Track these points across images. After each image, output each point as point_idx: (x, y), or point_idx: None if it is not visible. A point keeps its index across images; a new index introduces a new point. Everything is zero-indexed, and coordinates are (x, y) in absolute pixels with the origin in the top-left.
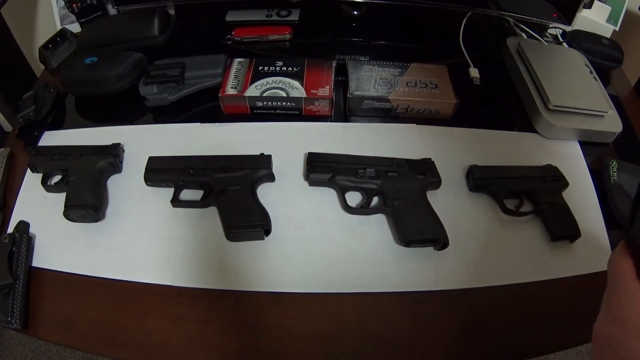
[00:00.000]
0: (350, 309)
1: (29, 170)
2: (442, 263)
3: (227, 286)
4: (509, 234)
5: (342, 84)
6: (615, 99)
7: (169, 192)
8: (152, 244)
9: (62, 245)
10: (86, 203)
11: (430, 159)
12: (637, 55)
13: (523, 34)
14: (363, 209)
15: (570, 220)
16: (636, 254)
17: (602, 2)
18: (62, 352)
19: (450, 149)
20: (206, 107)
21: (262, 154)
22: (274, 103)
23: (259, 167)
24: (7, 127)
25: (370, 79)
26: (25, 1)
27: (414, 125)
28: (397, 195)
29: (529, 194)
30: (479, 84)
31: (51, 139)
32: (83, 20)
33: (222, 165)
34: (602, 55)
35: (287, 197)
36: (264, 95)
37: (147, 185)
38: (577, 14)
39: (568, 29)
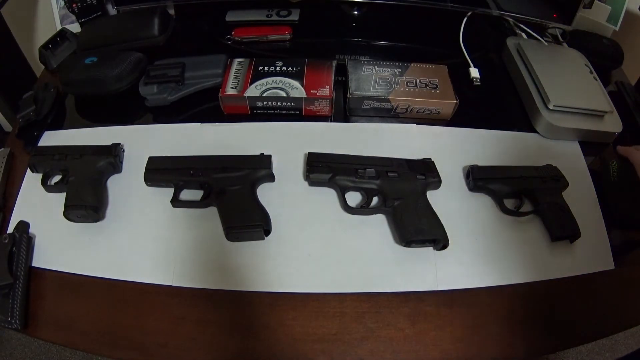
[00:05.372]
0: (350, 309)
1: (29, 170)
2: (442, 263)
3: (227, 286)
4: (509, 234)
5: (342, 84)
6: (615, 99)
7: (169, 192)
8: (152, 244)
9: (62, 245)
10: (86, 203)
11: (430, 159)
12: (637, 55)
13: (523, 34)
14: (363, 209)
15: (570, 220)
16: None
17: (602, 2)
18: (62, 352)
19: (450, 149)
20: (206, 107)
21: (262, 154)
22: (274, 103)
23: (259, 167)
24: (7, 127)
25: (370, 79)
26: (25, 1)
27: (414, 125)
28: (397, 195)
29: (529, 194)
30: (479, 84)
31: (51, 139)
32: (83, 20)
33: (222, 165)
34: (602, 55)
35: (287, 197)
36: (264, 95)
37: (147, 185)
38: (577, 14)
39: (568, 29)
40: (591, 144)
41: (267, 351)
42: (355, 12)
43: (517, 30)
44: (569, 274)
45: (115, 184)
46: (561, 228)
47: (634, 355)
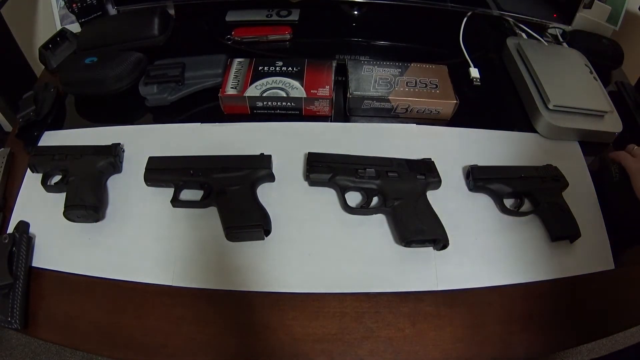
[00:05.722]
0: (350, 309)
1: (29, 170)
2: (442, 263)
3: (227, 286)
4: (509, 234)
5: (342, 84)
6: (615, 99)
7: (169, 192)
8: (152, 244)
9: (62, 245)
10: (86, 203)
11: (430, 159)
12: (637, 55)
13: (523, 34)
14: (363, 209)
15: (570, 220)
16: None
17: (602, 2)
18: (62, 352)
19: (450, 149)
20: (206, 107)
21: (262, 154)
22: (274, 103)
23: (259, 167)
24: (7, 127)
25: (370, 79)
26: (25, 1)
27: (414, 125)
28: (397, 195)
29: (529, 194)
30: (479, 84)
31: (51, 139)
32: (83, 20)
33: (222, 165)
34: (602, 55)
35: (287, 197)
36: (264, 95)
37: (147, 185)
38: (577, 14)
39: (568, 29)
40: (591, 144)
41: (267, 351)
42: (355, 12)
43: (517, 30)
44: (569, 274)
45: (115, 184)
46: (561, 228)
47: (629, 350)
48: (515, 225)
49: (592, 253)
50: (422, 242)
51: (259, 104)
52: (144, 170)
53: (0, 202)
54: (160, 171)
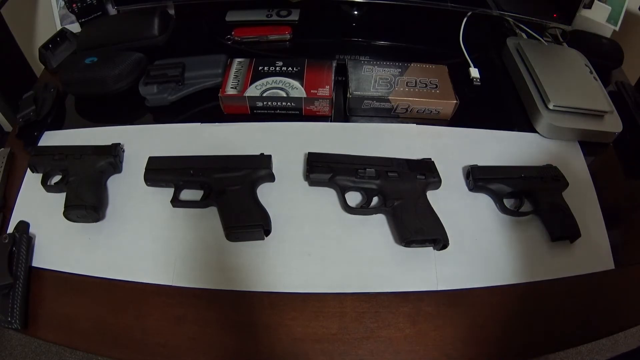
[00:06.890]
0: (350, 309)
1: (29, 170)
2: (442, 263)
3: (227, 286)
4: (509, 234)
5: (342, 84)
6: (615, 99)
7: (169, 192)
8: (152, 244)
9: (62, 245)
10: (86, 203)
11: (430, 159)
12: (637, 55)
13: (523, 34)
14: (363, 209)
15: (570, 220)
16: None
17: (602, 2)
18: (62, 352)
19: (450, 149)
20: (206, 107)
21: (262, 154)
22: (274, 103)
23: (259, 167)
24: (7, 127)
25: (370, 79)
26: (25, 1)
27: (414, 125)
28: (397, 195)
29: (529, 194)
30: (479, 84)
31: (51, 139)
32: (83, 20)
33: (222, 165)
34: (602, 55)
35: (287, 197)
36: (264, 95)
37: (147, 185)
38: (577, 14)
39: (568, 29)
40: (591, 144)
41: (267, 351)
42: (355, 12)
43: (517, 30)
44: (569, 274)
45: (115, 184)
46: (561, 228)
47: (631, 354)
48: (515, 225)
49: (592, 253)
50: (422, 242)
51: (259, 104)
52: (144, 170)
53: (0, 202)
54: (160, 171)
